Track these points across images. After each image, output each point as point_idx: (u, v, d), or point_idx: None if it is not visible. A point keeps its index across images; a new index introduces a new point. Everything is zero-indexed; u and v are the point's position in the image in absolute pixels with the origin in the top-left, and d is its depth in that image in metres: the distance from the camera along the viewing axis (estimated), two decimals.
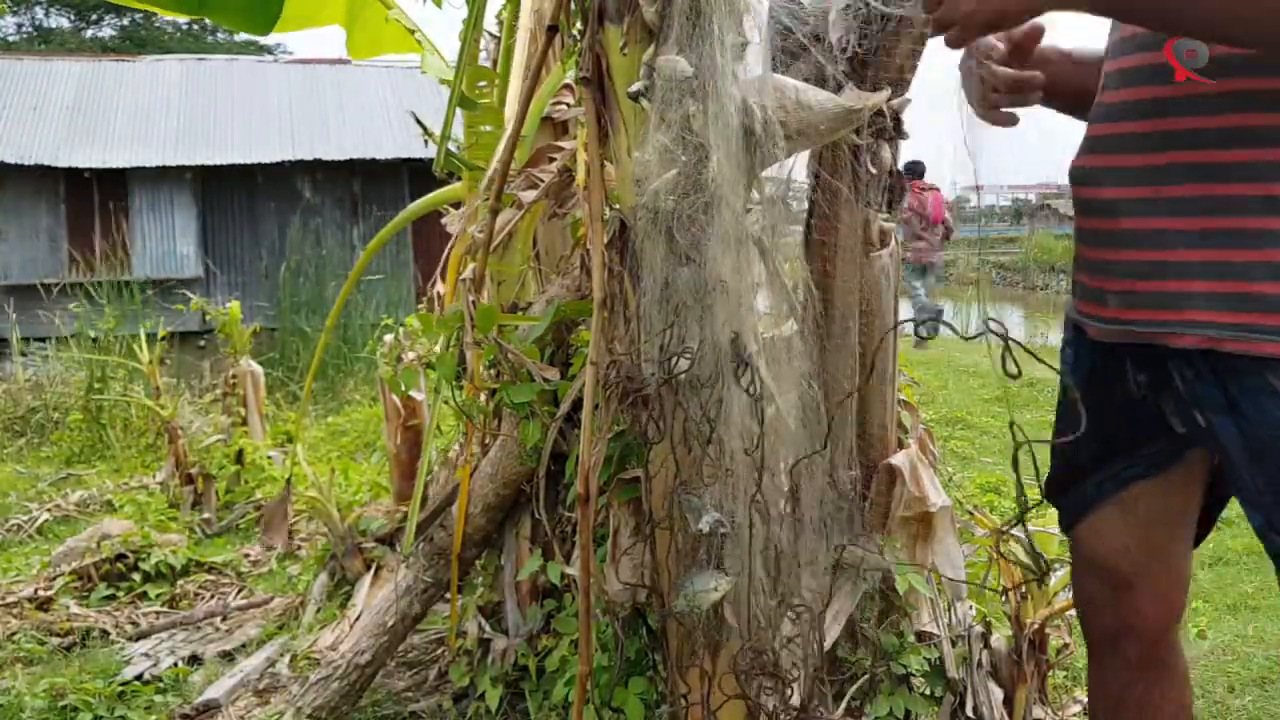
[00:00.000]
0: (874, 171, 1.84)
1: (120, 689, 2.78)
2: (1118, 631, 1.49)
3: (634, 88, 1.34)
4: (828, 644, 1.85)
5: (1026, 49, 1.36)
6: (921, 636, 2.02)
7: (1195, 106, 1.21)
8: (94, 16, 28.15)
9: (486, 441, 2.51)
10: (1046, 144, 1.72)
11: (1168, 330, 1.25)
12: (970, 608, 2.20)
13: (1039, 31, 1.35)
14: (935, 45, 1.56)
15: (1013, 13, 1.21)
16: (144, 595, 3.64)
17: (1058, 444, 1.52)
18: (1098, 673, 1.56)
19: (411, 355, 3.61)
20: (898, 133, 1.89)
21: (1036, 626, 2.15)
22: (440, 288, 3.25)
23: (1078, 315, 1.42)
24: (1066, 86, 1.45)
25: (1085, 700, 2.00)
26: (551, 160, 2.37)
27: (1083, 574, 1.54)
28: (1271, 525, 1.23)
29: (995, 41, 1.35)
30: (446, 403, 2.44)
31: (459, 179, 2.84)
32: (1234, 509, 1.60)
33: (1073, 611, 1.74)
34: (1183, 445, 1.37)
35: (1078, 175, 1.37)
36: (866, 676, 1.93)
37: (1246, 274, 1.18)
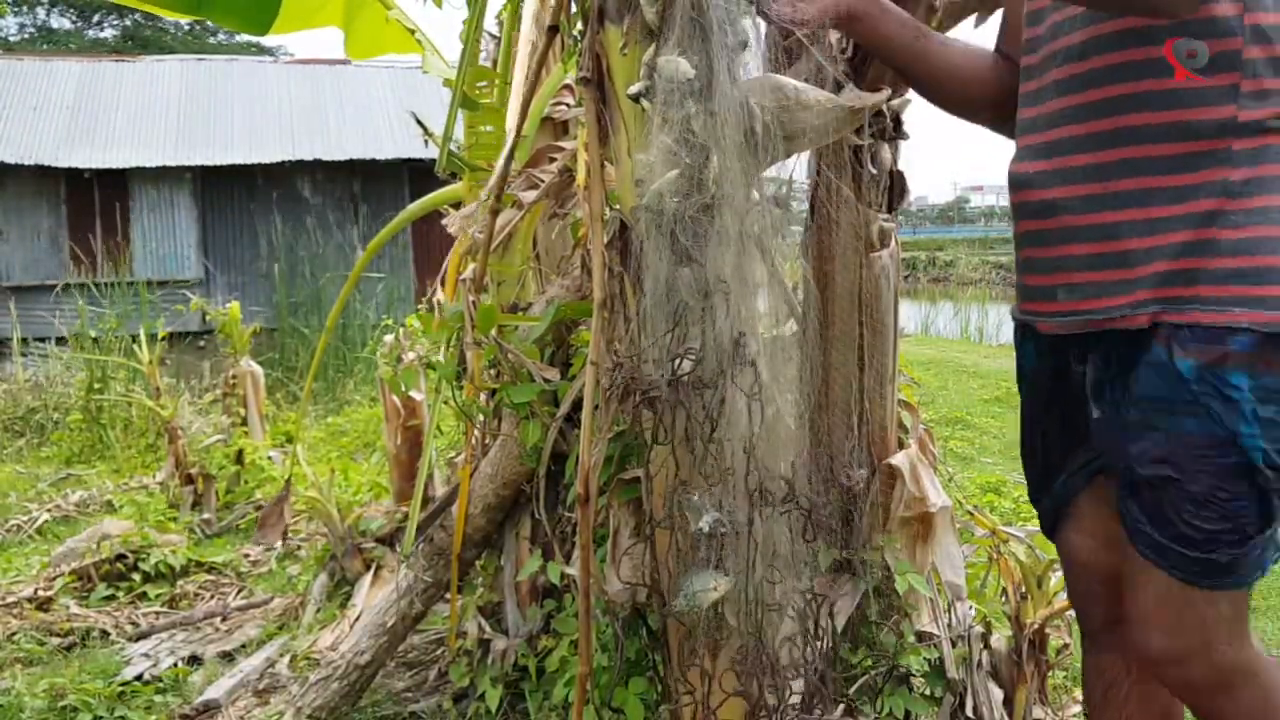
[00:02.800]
0: (874, 171, 1.85)
1: (120, 689, 2.78)
2: (1112, 621, 1.52)
3: (635, 88, 1.34)
4: (827, 644, 1.85)
5: None
6: (921, 636, 2.02)
7: (1130, 105, 1.27)
8: (96, 18, 28.16)
9: (486, 442, 2.51)
10: None
11: (1119, 315, 1.29)
12: (970, 608, 2.20)
13: None
14: None
15: None
16: (144, 595, 3.65)
17: (1025, 442, 1.57)
18: (1094, 661, 1.58)
19: (411, 355, 3.61)
20: (898, 133, 1.90)
21: (1036, 627, 2.15)
22: (440, 296, 3.25)
23: (1023, 315, 1.46)
24: (907, 49, 1.48)
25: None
26: (551, 160, 2.37)
27: (1072, 572, 1.58)
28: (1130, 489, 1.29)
29: None
30: (446, 403, 2.44)
31: (460, 179, 2.84)
32: None
33: (1072, 611, 1.75)
34: None
35: (1019, 180, 1.41)
36: (866, 676, 1.93)
37: (1185, 253, 1.23)
